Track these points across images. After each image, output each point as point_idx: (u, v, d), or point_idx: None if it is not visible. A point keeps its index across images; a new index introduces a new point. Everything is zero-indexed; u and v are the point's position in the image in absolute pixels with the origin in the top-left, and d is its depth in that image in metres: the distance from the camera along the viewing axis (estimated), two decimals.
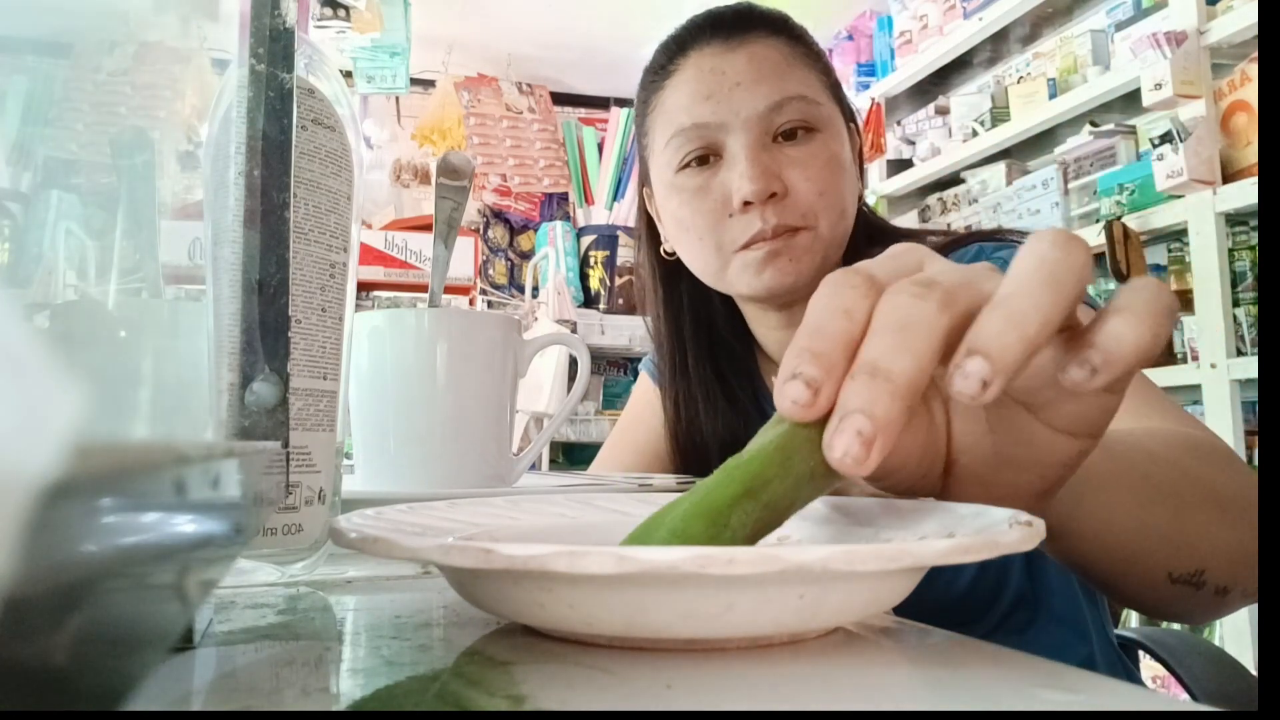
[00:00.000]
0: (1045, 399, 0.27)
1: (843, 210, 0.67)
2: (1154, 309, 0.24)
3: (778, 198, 0.64)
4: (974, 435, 0.30)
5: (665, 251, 0.76)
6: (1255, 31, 1.58)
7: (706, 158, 0.67)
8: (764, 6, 0.71)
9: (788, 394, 0.25)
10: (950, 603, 0.63)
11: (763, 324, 0.75)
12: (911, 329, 0.24)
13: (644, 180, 0.77)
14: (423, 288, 2.56)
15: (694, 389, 0.76)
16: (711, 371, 0.76)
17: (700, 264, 0.70)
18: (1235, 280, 1.59)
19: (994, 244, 0.66)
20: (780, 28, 0.69)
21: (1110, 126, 1.94)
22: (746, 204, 0.64)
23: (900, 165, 2.63)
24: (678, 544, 0.24)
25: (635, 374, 0.91)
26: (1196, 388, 1.61)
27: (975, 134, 2.33)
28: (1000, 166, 2.28)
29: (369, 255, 2.54)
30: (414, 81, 2.75)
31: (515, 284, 2.98)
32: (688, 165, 0.68)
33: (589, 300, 2.86)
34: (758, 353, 0.79)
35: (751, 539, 0.25)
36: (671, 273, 0.77)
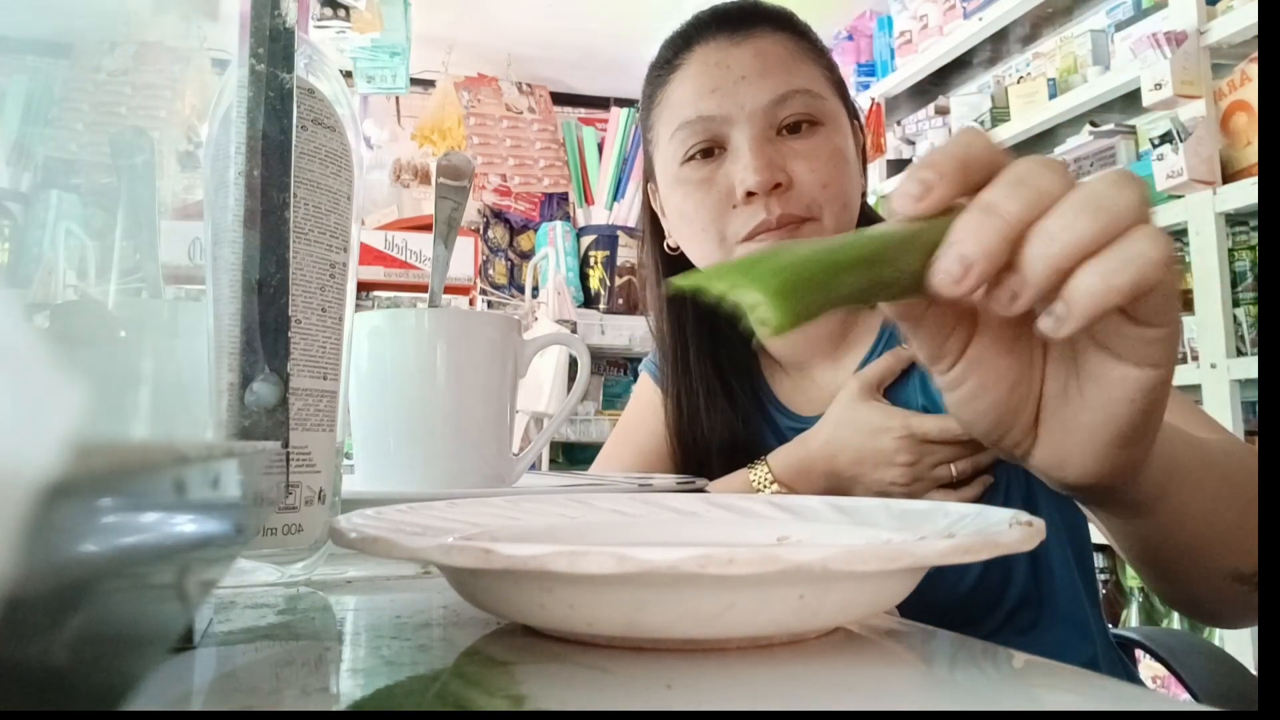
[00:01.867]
0: (1103, 330, 0.30)
1: (846, 203, 0.67)
2: (1127, 258, 0.26)
3: (781, 189, 0.64)
4: (1059, 383, 0.32)
5: (669, 247, 0.76)
6: (1255, 31, 1.57)
7: (711, 150, 0.67)
8: (768, 3, 0.72)
9: (902, 189, 0.29)
10: (954, 603, 0.63)
11: None
12: (1029, 184, 0.27)
13: (648, 176, 0.77)
14: (423, 288, 2.56)
15: (695, 386, 0.76)
16: (713, 369, 0.76)
17: (704, 256, 0.70)
18: (1235, 280, 1.59)
19: None
20: (785, 23, 0.70)
21: (1110, 126, 1.94)
22: (750, 195, 0.64)
23: (900, 165, 2.63)
24: (787, 276, 0.26)
25: (635, 374, 0.91)
26: (1197, 388, 1.61)
27: None
28: None
29: (369, 255, 2.54)
30: (414, 81, 2.75)
31: (515, 284, 2.98)
32: (692, 158, 0.68)
33: (589, 300, 2.86)
34: (759, 350, 0.79)
35: (841, 303, 0.28)
36: (674, 269, 0.77)
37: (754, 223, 0.64)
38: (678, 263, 0.76)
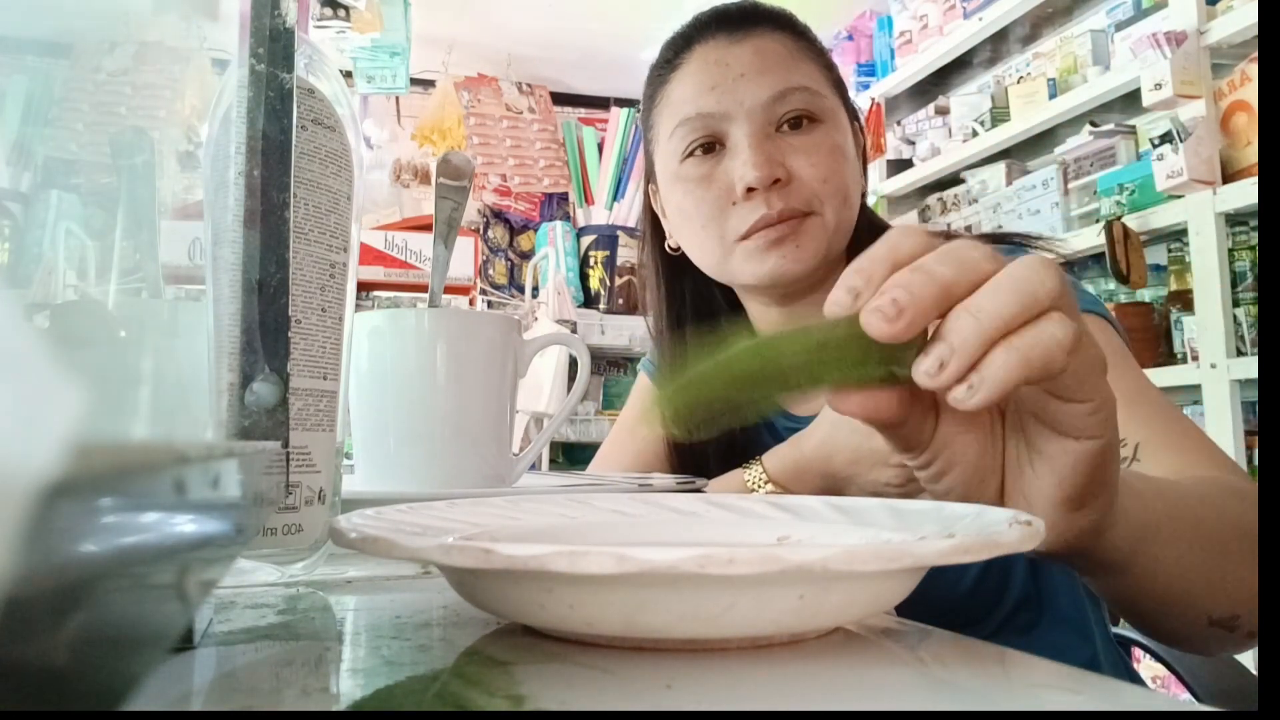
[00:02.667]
0: (1036, 405, 0.31)
1: (846, 199, 0.67)
2: (1038, 339, 0.28)
3: (781, 184, 0.64)
4: (1015, 454, 0.34)
5: (670, 247, 0.76)
6: (1255, 31, 1.57)
7: (711, 146, 0.68)
8: (768, 4, 0.72)
9: (831, 298, 0.30)
10: (954, 604, 0.63)
11: (765, 321, 0.75)
12: (960, 258, 0.29)
13: (649, 177, 0.77)
14: (423, 288, 2.56)
15: None
16: None
17: (703, 254, 0.70)
18: (1235, 280, 1.59)
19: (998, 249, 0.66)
20: (784, 24, 0.70)
21: (1110, 126, 1.94)
22: (750, 191, 0.64)
23: (900, 165, 2.63)
24: (681, 400, 0.29)
25: (635, 374, 0.91)
26: (1196, 388, 1.61)
27: (975, 134, 2.33)
28: (1000, 166, 2.28)
29: (369, 255, 2.54)
30: (414, 81, 2.75)
31: (515, 284, 2.98)
32: (691, 154, 0.68)
33: (589, 300, 2.86)
34: None
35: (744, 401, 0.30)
36: (675, 270, 0.77)
37: (754, 218, 0.64)
38: (678, 263, 0.76)
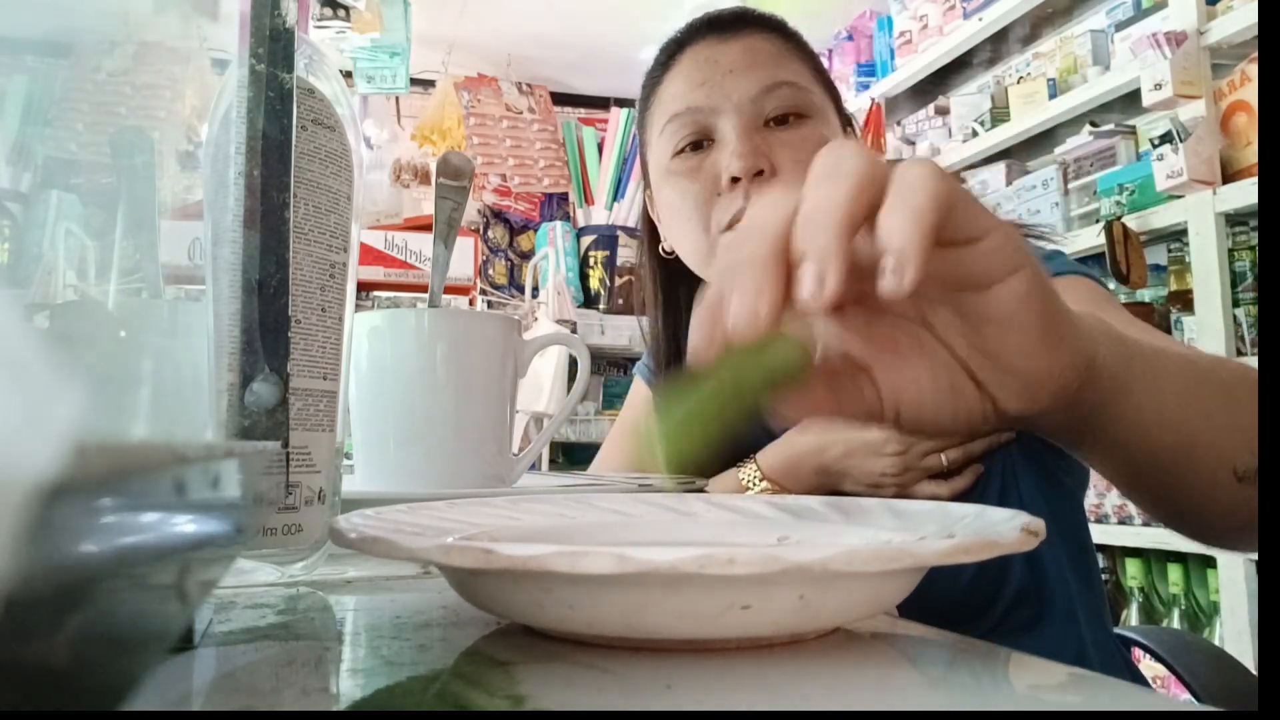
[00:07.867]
0: (945, 273, 0.29)
1: None
2: (909, 186, 0.25)
3: (765, 176, 0.65)
4: (961, 343, 0.31)
5: (664, 250, 0.76)
6: (1255, 31, 1.57)
7: (700, 143, 0.68)
8: (760, 10, 0.73)
9: (730, 316, 0.26)
10: (951, 602, 0.63)
11: None
12: (840, 173, 0.26)
13: (645, 181, 0.78)
14: (423, 288, 2.56)
15: None
16: None
17: (690, 247, 0.70)
18: (1235, 280, 1.59)
19: None
20: (774, 26, 0.72)
21: (1110, 126, 1.94)
22: (734, 181, 0.65)
23: None
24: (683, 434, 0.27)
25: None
26: None
27: (975, 134, 2.33)
28: (1000, 166, 2.28)
29: (369, 255, 2.54)
30: (414, 81, 2.75)
31: (515, 284, 2.98)
32: (681, 151, 0.68)
33: (589, 300, 2.86)
34: None
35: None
36: (671, 275, 0.78)
37: (734, 209, 0.65)
38: (674, 269, 0.76)
